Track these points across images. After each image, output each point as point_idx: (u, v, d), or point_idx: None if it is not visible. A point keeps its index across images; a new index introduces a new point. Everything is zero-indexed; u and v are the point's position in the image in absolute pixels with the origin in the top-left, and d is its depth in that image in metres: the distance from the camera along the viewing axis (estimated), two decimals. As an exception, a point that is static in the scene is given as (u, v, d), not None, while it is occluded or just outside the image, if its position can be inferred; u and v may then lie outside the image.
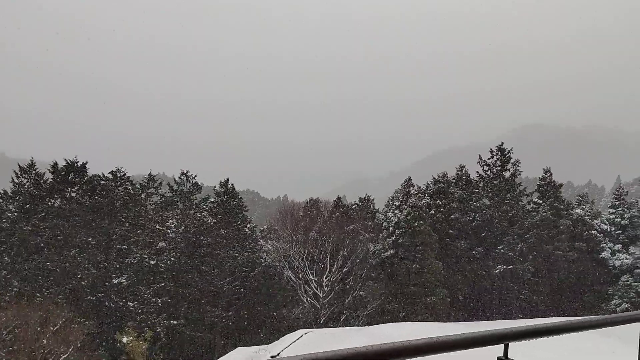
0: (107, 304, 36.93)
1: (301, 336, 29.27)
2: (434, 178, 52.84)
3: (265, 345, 31.59)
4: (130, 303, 37.60)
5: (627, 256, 44.64)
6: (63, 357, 27.70)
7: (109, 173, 42.66)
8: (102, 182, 41.60)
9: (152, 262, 39.49)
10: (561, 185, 51.09)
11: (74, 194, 39.84)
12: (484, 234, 48.39)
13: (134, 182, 43.73)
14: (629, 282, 43.05)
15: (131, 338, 27.42)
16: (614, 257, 45.56)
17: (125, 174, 43.00)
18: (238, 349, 33.43)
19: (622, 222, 47.54)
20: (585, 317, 3.87)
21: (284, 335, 32.65)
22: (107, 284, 37.73)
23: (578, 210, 50.74)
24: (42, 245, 36.34)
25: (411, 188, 55.74)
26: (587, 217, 49.48)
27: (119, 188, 42.13)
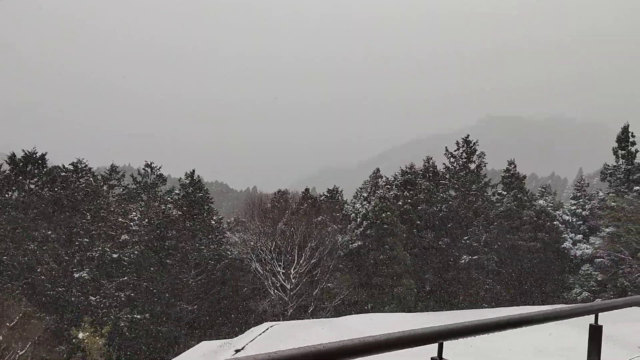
0: (68, 298, 35.96)
1: (267, 329, 29.05)
2: (402, 169, 53.18)
3: (230, 339, 31.24)
4: (92, 297, 36.71)
5: (588, 246, 45.77)
6: (20, 352, 26.84)
7: (70, 164, 41.45)
8: (63, 173, 40.38)
9: (115, 256, 38.61)
10: (525, 177, 52.01)
11: (32, 186, 38.56)
12: (450, 225, 48.95)
13: (95, 174, 42.56)
14: (589, 272, 44.18)
15: (87, 334, 26.67)
16: (575, 247, 46.68)
17: (86, 166, 41.84)
18: (202, 343, 32.99)
19: (583, 213, 48.72)
20: (523, 313, 3.73)
21: (250, 328, 32.38)
22: (68, 278, 36.71)
23: (541, 202, 51.77)
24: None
25: (379, 179, 56.02)
26: (549, 208, 50.52)
27: (80, 180, 40.97)
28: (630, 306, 5.34)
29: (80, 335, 26.34)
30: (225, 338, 36.69)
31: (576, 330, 20.62)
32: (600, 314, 4.81)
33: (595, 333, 4.81)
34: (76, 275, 36.59)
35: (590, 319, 4.84)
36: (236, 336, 35.13)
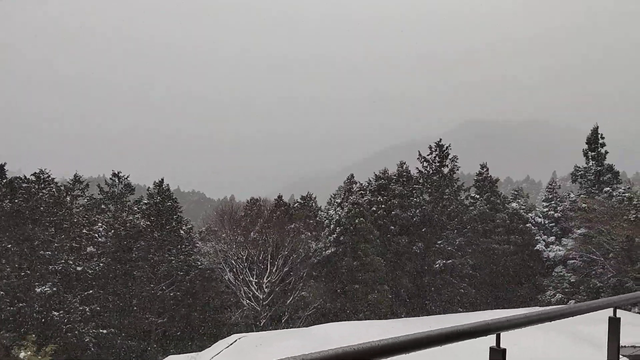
0: (29, 314, 34.54)
1: (235, 341, 28.16)
2: (376, 175, 52.77)
3: (197, 353, 30.29)
4: (55, 312, 35.34)
5: (560, 248, 45.85)
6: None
7: (32, 175, 40.06)
8: (25, 184, 39.00)
9: (79, 269, 37.32)
10: (497, 180, 52.08)
11: (-10, 198, 37.13)
12: (424, 230, 48.66)
13: (59, 185, 41.21)
14: (562, 273, 44.20)
15: (29, 353, 25.34)
16: (548, 249, 46.73)
17: (49, 176, 40.47)
18: (169, 357, 31.95)
19: (555, 215, 48.86)
20: (563, 306, 4.16)
21: (219, 341, 31.44)
22: (29, 292, 35.29)
23: (514, 205, 51.86)
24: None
25: (354, 185, 55.52)
26: (522, 211, 50.62)
27: (43, 191, 39.61)
28: None
29: (22, 354, 24.99)
30: (198, 351, 35.67)
31: (563, 336, 20.33)
32: (592, 312, 5.29)
33: (614, 325, 5.53)
34: (38, 290, 35.19)
35: (608, 312, 5.61)
36: (205, 349, 34.16)
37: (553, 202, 50.59)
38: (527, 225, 48.97)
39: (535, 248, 47.36)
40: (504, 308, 43.90)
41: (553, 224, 49.17)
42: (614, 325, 5.54)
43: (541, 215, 50.38)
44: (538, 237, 48.41)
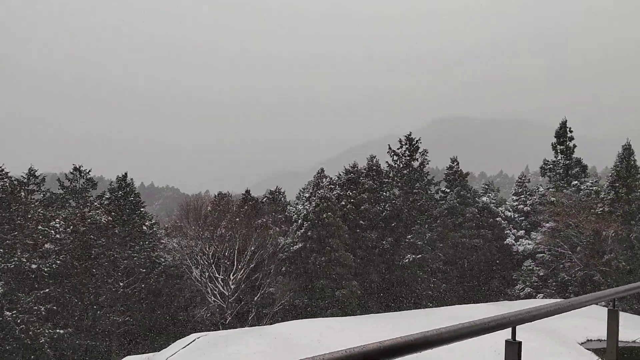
0: (-22, 315, 32.87)
1: (193, 340, 27.06)
2: (346, 169, 52.00)
3: (154, 353, 29.11)
4: (8, 312, 33.71)
5: (529, 242, 45.77)
6: None
7: (-17, 169, 38.23)
8: (-25, 179, 37.16)
9: (34, 266, 35.70)
10: (467, 174, 51.75)
11: (-63, 193, 35.24)
12: (394, 224, 48.08)
13: (13, 179, 39.41)
14: (531, 267, 44.10)
15: None
16: (517, 243, 46.62)
17: (2, 170, 38.66)
18: (127, 358, 30.72)
19: (525, 208, 48.77)
20: (569, 299, 4.59)
21: (177, 340, 30.32)
22: (-21, 292, 33.61)
23: (484, 199, 51.67)
24: None
25: (324, 179, 54.66)
26: (492, 205, 50.43)
27: (-4, 185, 37.82)
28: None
29: None
30: (161, 349, 34.46)
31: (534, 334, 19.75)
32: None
33: (613, 316, 5.51)
34: (-12, 290, 33.55)
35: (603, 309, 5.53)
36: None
37: (523, 196, 50.50)
38: (497, 219, 48.83)
39: (505, 242, 47.23)
40: (474, 302, 43.66)
41: (523, 218, 49.10)
42: (613, 317, 5.60)
43: (511, 209, 50.27)
44: (508, 231, 48.31)
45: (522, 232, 47.99)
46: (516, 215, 49.44)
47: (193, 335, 28.35)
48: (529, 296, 42.51)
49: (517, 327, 3.61)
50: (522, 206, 49.51)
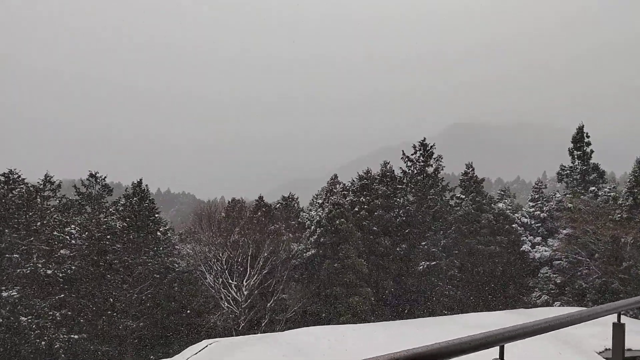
0: (-5, 320, 33.22)
1: (205, 347, 27.06)
2: (359, 175, 51.80)
3: (167, 359, 29.17)
4: (23, 318, 34.04)
5: (546, 248, 45.09)
6: None
7: (1, 175, 38.73)
8: (-7, 185, 37.65)
9: (49, 272, 36.04)
10: (483, 180, 51.22)
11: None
12: (408, 230, 47.71)
13: (29, 185, 39.90)
14: (548, 274, 43.42)
15: None
16: (534, 250, 45.96)
17: (19, 176, 39.15)
18: (140, 363, 30.87)
19: (541, 215, 48.08)
20: (566, 313, 4.20)
21: (189, 347, 30.32)
22: (-5, 298, 33.97)
23: (500, 205, 51.09)
24: None
25: (337, 185, 54.57)
26: (508, 211, 49.82)
27: (13, 192, 38.30)
28: None
29: None
30: (174, 355, 34.52)
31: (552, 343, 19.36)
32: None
33: (619, 330, 5.33)
34: (4, 295, 33.88)
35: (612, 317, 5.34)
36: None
37: (539, 202, 49.81)
38: (513, 225, 48.20)
39: (521, 249, 46.59)
40: (490, 310, 43.08)
41: (539, 224, 48.41)
42: (619, 330, 5.45)
43: (527, 216, 49.61)
44: (524, 238, 47.66)
45: (538, 238, 47.32)
46: (533, 222, 48.78)
47: (205, 342, 28.35)
48: (546, 304, 41.83)
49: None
50: (538, 212, 48.83)
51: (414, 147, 50.83)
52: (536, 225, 48.85)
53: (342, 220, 42.21)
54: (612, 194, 42.56)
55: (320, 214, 44.40)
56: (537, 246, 46.53)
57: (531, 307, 41.99)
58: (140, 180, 46.34)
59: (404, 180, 50.72)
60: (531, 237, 47.89)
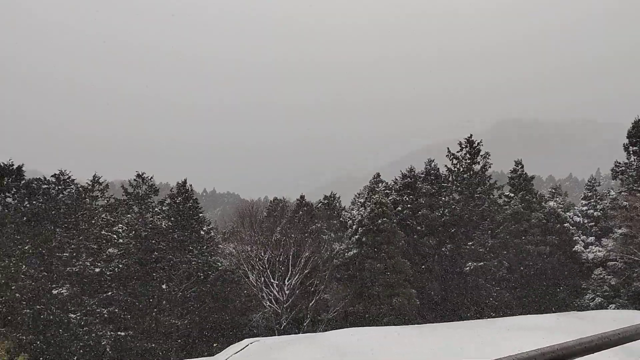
0: (46, 316, 34.31)
1: (246, 346, 27.02)
2: (402, 173, 50.88)
3: (209, 357, 29.33)
4: (72, 315, 35.03)
5: (600, 249, 43.02)
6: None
7: (52, 176, 40.03)
8: (44, 186, 38.97)
9: (97, 270, 36.96)
10: (533, 177, 49.37)
11: (9, 199, 37.17)
12: (454, 230, 46.49)
13: (79, 186, 41.08)
14: (602, 276, 41.40)
15: None
16: (587, 250, 43.94)
17: (69, 177, 40.36)
18: (182, 361, 31.18)
19: (595, 213, 45.94)
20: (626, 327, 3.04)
21: (231, 345, 30.40)
22: (46, 295, 35.09)
23: (551, 203, 49.11)
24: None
25: (380, 184, 53.83)
26: (559, 209, 47.83)
27: (64, 192, 39.53)
28: None
29: None
30: (216, 353, 34.78)
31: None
32: None
33: None
34: (55, 292, 34.99)
35: None
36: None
37: (593, 200, 47.65)
38: (565, 225, 46.21)
39: (574, 249, 44.61)
40: (540, 313, 41.40)
41: (592, 224, 46.28)
42: None
43: (580, 214, 47.54)
44: (576, 238, 45.63)
45: (592, 238, 45.22)
46: (586, 221, 46.69)
47: (246, 341, 28.33)
48: (599, 307, 39.89)
49: None
50: (592, 211, 46.70)
51: (460, 144, 49.50)
52: (589, 224, 46.71)
53: (385, 219, 41.50)
54: (672, 191, 40.14)
55: (362, 213, 43.82)
56: (590, 246, 44.45)
57: (584, 310, 40.12)
58: (185, 180, 47.02)
59: (450, 179, 49.48)
60: (584, 236, 45.82)
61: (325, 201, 52.13)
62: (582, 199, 49.36)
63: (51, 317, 34.18)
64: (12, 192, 37.21)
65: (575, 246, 44.62)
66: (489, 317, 41.35)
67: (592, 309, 39.85)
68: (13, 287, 33.31)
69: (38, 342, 33.54)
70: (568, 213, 48.73)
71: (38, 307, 34.22)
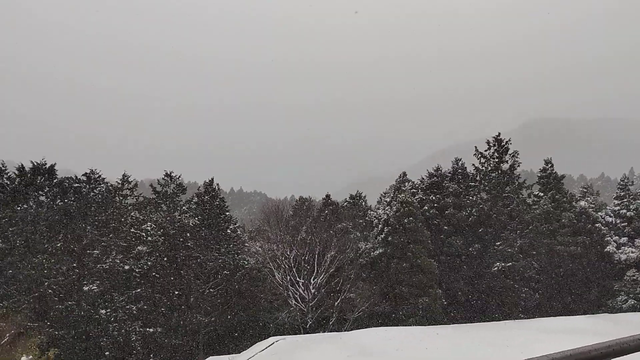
0: (77, 312, 35.09)
1: (272, 344, 27.20)
2: (429, 172, 50.42)
3: (235, 355, 29.57)
4: (102, 310, 35.74)
5: (633, 249, 41.92)
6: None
7: (83, 175, 40.88)
8: (76, 185, 39.81)
9: (126, 267, 37.63)
10: (563, 176, 48.39)
11: (42, 198, 38.10)
12: (481, 230, 45.86)
13: (109, 185, 41.88)
14: (635, 277, 40.36)
15: (30, 357, 25.11)
16: (620, 251, 42.85)
17: (100, 176, 41.17)
18: (210, 358, 31.49)
19: (628, 213, 44.77)
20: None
21: (257, 342, 30.61)
22: (77, 291, 35.90)
23: (582, 203, 48.02)
24: (7, 251, 34.61)
25: (406, 183, 53.46)
26: (590, 209, 46.75)
27: (95, 191, 40.34)
28: None
29: (23, 358, 24.82)
30: (243, 350, 35.09)
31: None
32: None
33: None
34: (85, 288, 35.74)
35: None
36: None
37: (625, 200, 46.44)
38: (597, 225, 45.13)
39: (605, 250, 43.55)
40: (571, 314, 40.55)
41: (625, 224, 45.10)
42: None
43: (612, 214, 46.39)
44: (608, 238, 44.53)
45: (624, 239, 44.08)
46: (618, 221, 45.53)
47: (272, 339, 28.50)
48: (632, 309, 38.89)
49: None
50: (624, 211, 45.52)
51: (488, 143, 48.79)
52: (622, 224, 45.55)
53: (411, 219, 41.20)
54: None
55: (388, 212, 43.58)
56: (622, 247, 43.35)
57: (616, 312, 39.15)
58: (212, 179, 47.46)
59: (477, 178, 48.82)
60: (616, 237, 44.68)
61: (352, 200, 52.02)
62: (614, 198, 48.16)
63: (82, 312, 34.93)
64: (45, 190, 38.16)
65: (607, 247, 43.56)
66: (517, 319, 40.71)
67: (625, 311, 38.88)
68: (46, 283, 34.14)
69: (69, 337, 34.31)
70: (600, 213, 47.60)
71: (69, 302, 35.01)
